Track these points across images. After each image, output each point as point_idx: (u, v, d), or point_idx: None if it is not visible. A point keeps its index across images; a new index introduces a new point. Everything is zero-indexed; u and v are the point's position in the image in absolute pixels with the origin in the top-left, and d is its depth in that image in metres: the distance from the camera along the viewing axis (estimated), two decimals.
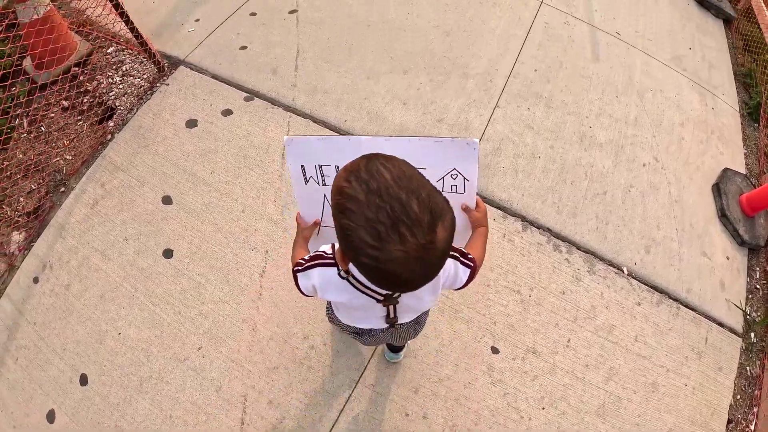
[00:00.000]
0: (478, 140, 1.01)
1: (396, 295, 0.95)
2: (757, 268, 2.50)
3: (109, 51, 3.11)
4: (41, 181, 2.56)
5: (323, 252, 0.97)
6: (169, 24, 3.04)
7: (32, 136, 2.81)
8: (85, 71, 2.92)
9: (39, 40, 2.62)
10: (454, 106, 2.62)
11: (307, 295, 1.06)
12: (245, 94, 2.61)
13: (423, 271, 0.70)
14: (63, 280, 2.13)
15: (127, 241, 2.20)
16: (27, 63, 2.87)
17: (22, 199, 2.49)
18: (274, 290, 2.02)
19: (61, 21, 2.90)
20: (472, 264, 1.02)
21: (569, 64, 2.95)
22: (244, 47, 2.81)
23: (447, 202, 0.72)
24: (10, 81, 2.52)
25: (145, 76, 2.85)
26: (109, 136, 2.64)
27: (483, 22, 3.03)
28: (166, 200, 2.31)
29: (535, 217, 2.32)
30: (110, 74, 2.96)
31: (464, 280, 1.02)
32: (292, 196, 1.21)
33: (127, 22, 2.52)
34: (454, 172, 1.05)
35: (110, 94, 2.85)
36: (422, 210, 0.66)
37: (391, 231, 0.65)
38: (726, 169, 2.72)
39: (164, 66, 2.83)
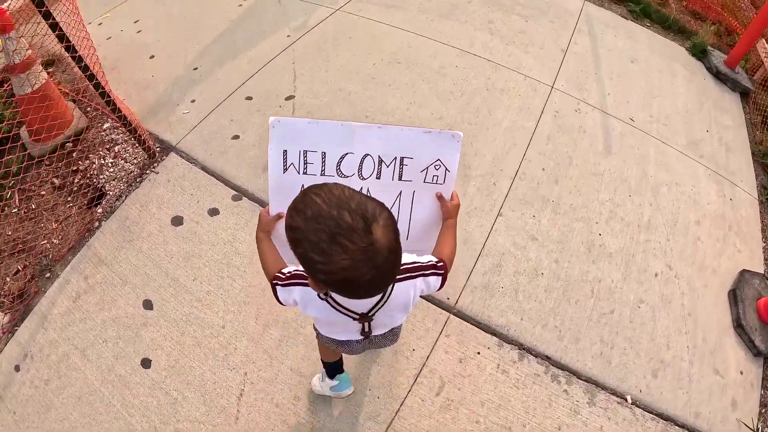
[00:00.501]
0: (461, 133, 1.10)
1: (370, 314, 1.03)
2: None
3: (104, 127, 3.05)
4: (28, 263, 2.52)
5: (303, 271, 0.99)
6: (166, 103, 2.98)
7: (22, 212, 2.76)
8: (79, 147, 2.87)
9: (34, 112, 2.59)
10: None
11: (284, 305, 1.10)
12: (233, 192, 2.52)
13: (378, 272, 0.77)
14: (43, 374, 2.11)
15: (106, 344, 2.17)
16: (24, 131, 2.84)
17: (9, 279, 2.46)
18: (252, 416, 1.97)
19: (57, 95, 2.86)
20: (442, 271, 1.08)
21: (580, 159, 2.78)
22: (236, 137, 2.72)
23: (380, 204, 0.80)
24: (9, 145, 2.51)
25: (135, 161, 2.79)
26: (97, 224, 2.59)
27: (489, 113, 2.89)
28: (147, 305, 2.27)
29: (534, 344, 2.17)
30: (103, 154, 2.91)
31: (437, 285, 1.09)
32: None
33: (121, 117, 2.46)
34: (437, 162, 1.11)
35: (101, 177, 2.80)
36: (355, 219, 0.74)
37: (333, 245, 0.73)
38: (743, 272, 2.59)
39: (155, 152, 2.76)
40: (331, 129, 1.05)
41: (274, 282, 1.06)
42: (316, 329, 1.34)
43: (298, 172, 1.09)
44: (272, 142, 1.06)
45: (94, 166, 2.86)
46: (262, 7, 3.71)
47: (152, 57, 3.39)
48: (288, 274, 1.05)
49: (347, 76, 3.02)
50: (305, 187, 0.84)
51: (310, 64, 3.13)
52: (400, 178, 1.14)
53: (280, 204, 1.12)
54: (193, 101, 2.97)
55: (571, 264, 2.41)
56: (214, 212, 2.48)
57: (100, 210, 2.66)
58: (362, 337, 1.16)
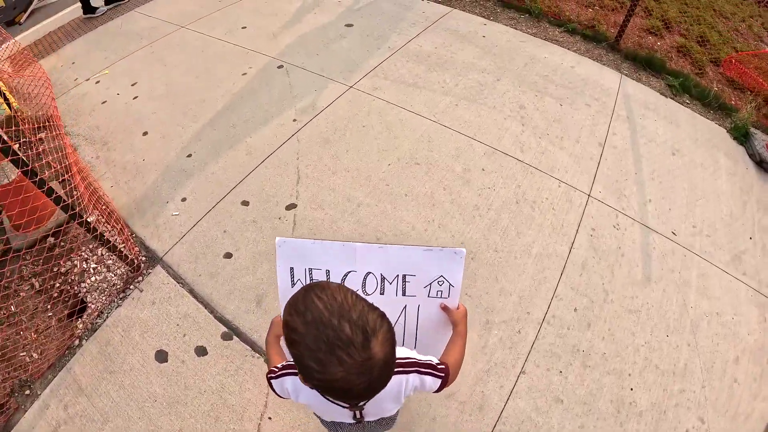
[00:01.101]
0: (464, 250, 1.09)
1: (360, 404, 1.02)
2: None
3: (89, 220, 2.78)
4: (7, 374, 2.30)
5: (293, 362, 1.00)
6: (155, 198, 2.72)
7: (1, 313, 2.52)
8: (61, 242, 2.63)
9: (13, 201, 2.38)
10: (471, 373, 2.15)
11: (282, 397, 1.12)
12: (223, 329, 2.25)
13: (370, 384, 0.79)
14: None
15: None
16: (4, 216, 2.63)
17: None
18: None
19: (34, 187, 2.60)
20: (443, 374, 1.07)
21: (616, 294, 2.45)
22: (229, 255, 2.43)
23: (382, 316, 0.80)
24: None
25: (119, 272, 2.53)
26: (77, 341, 2.33)
27: (518, 234, 2.56)
28: None
29: None
30: (86, 256, 2.64)
31: (435, 387, 1.08)
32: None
33: (100, 237, 2.20)
34: (441, 279, 1.12)
35: (82, 285, 2.55)
36: (354, 331, 0.75)
37: (330, 356, 0.74)
38: None
39: (140, 264, 2.47)
40: (334, 249, 1.09)
41: (269, 376, 1.10)
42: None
43: None
44: (279, 260, 1.10)
45: (75, 269, 2.61)
46: (267, 80, 3.42)
47: (145, 134, 3.11)
48: (280, 367, 1.08)
49: (357, 182, 2.72)
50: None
51: (317, 161, 2.83)
52: (403, 294, 1.17)
53: None
54: (184, 200, 2.69)
55: (597, 429, 2.10)
56: (201, 351, 2.20)
57: (81, 326, 2.41)
58: (354, 422, 1.17)
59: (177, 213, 2.64)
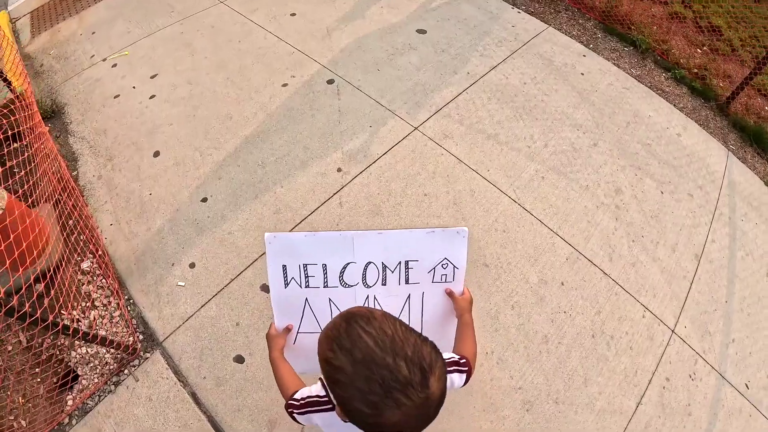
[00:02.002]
0: (467, 229, 1.04)
1: None
2: None
3: (83, 266, 2.34)
4: None
5: (316, 396, 0.94)
6: (158, 255, 2.23)
7: None
8: (52, 290, 2.21)
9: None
10: None
11: (302, 424, 1.01)
12: None
13: (425, 422, 0.71)
14: None
15: None
16: None
17: None
18: None
19: (23, 220, 2.15)
20: (467, 368, 1.02)
21: None
22: (240, 359, 1.95)
23: (434, 348, 0.71)
24: None
25: (112, 351, 2.09)
26: (66, 419, 2.01)
27: (585, 382, 1.96)
28: None
29: None
30: (77, 316, 2.23)
31: (461, 383, 1.02)
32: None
33: (84, 337, 1.74)
34: (444, 261, 1.07)
35: (72, 353, 2.15)
36: (412, 370, 0.66)
37: (386, 399, 0.65)
38: None
39: (137, 347, 2.03)
40: (330, 240, 1.03)
41: (290, 410, 1.00)
42: None
43: (300, 286, 1.07)
44: (270, 258, 1.03)
45: (67, 319, 2.19)
46: (312, 100, 2.72)
47: (157, 154, 2.55)
48: (302, 401, 0.97)
49: None
50: (309, 299, 0.98)
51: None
52: (407, 282, 1.10)
53: (285, 318, 1.09)
54: (192, 266, 2.16)
55: None
56: None
57: (70, 402, 2.04)
58: None
59: (183, 284, 2.13)
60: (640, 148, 2.74)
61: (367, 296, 1.10)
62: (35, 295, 2.10)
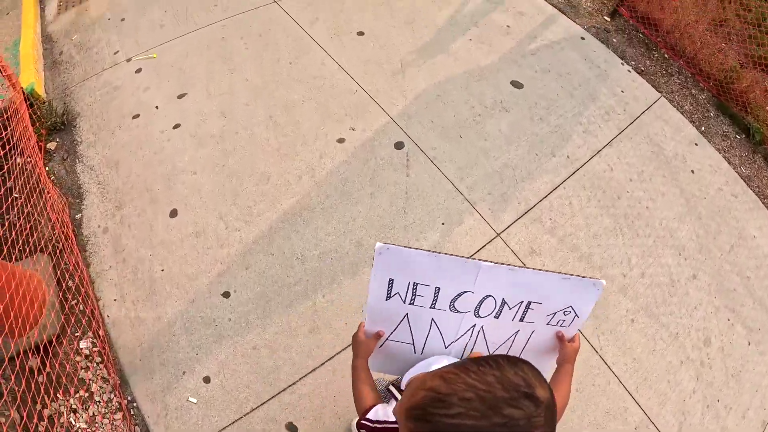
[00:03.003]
0: (604, 282, 0.95)
1: None
2: None
3: (80, 346, 1.92)
4: None
5: (394, 423, 0.88)
6: (167, 356, 1.82)
7: None
8: (46, 366, 1.83)
9: None
10: None
11: None
12: None
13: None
14: None
15: None
16: None
17: None
18: None
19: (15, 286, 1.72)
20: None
21: None
22: None
23: (528, 364, 0.65)
24: None
25: None
26: None
27: None
28: None
29: None
30: (73, 405, 1.84)
31: None
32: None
33: None
34: (568, 309, 1.00)
35: None
36: (523, 404, 0.58)
37: None
38: None
39: None
40: (452, 265, 0.92)
41: (361, 430, 0.93)
42: None
43: (404, 302, 0.99)
44: (377, 268, 0.93)
45: (62, 418, 1.79)
46: (374, 169, 2.08)
47: (174, 214, 2.02)
48: (377, 424, 0.91)
49: None
50: (410, 316, 0.93)
51: None
52: (521, 320, 1.02)
53: (377, 325, 1.03)
54: (207, 380, 1.67)
55: None
56: None
57: None
58: None
59: (195, 401, 1.65)
60: (738, 283, 2.16)
61: (474, 325, 1.04)
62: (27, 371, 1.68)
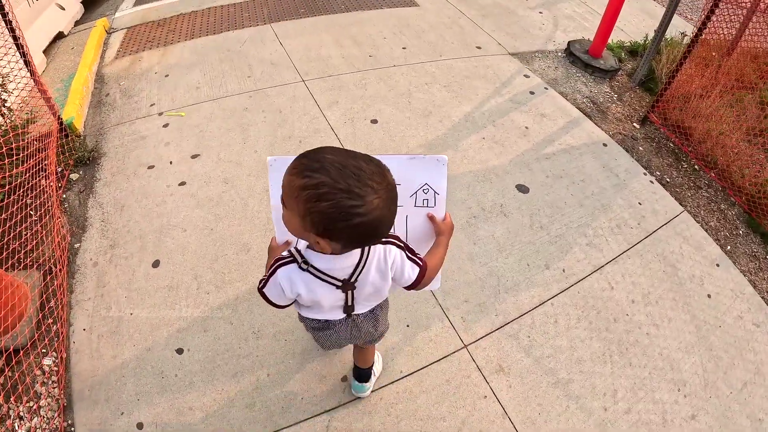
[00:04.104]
0: (446, 157, 1.12)
1: (352, 280, 1.05)
2: None
3: (44, 362, 2.01)
4: None
5: (280, 256, 1.06)
6: (112, 397, 1.88)
7: None
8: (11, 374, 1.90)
9: None
10: None
11: (280, 306, 1.12)
12: None
13: (393, 214, 0.89)
14: None
15: None
16: None
17: None
18: None
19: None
20: (421, 263, 1.10)
21: None
22: None
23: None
24: None
25: None
26: None
27: None
28: None
29: None
30: (21, 411, 1.88)
31: (413, 278, 1.10)
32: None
33: None
34: (425, 186, 1.15)
35: None
36: (369, 164, 0.83)
37: (364, 187, 0.80)
38: None
39: None
40: None
41: (260, 287, 1.09)
42: (301, 321, 1.38)
43: None
44: (272, 180, 1.10)
45: (7, 421, 1.84)
46: None
47: (156, 265, 2.14)
48: (265, 275, 1.08)
49: None
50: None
51: None
52: None
53: (285, 235, 1.15)
54: (140, 427, 1.72)
55: None
56: None
57: None
58: (345, 315, 1.21)
59: None
60: (747, 426, 1.91)
61: None
62: None
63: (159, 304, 2.06)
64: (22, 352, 1.93)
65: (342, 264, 1.00)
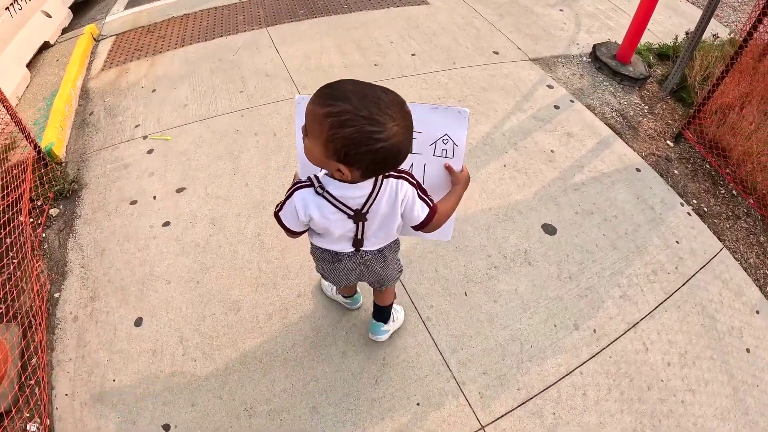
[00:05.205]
0: (468, 110, 1.14)
1: (364, 210, 1.08)
2: None
3: (28, 428, 1.84)
4: None
5: (299, 180, 1.10)
6: None
7: None
8: None
9: None
10: None
11: (295, 231, 1.16)
12: None
13: (410, 142, 0.94)
14: None
15: None
16: None
17: None
18: None
19: None
20: (431, 204, 1.13)
21: None
22: None
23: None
24: None
25: None
26: None
27: None
28: None
29: None
30: None
31: (422, 217, 1.12)
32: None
33: None
34: (445, 137, 1.16)
35: None
36: (388, 95, 0.87)
37: (384, 115, 0.84)
38: None
39: None
40: None
41: (277, 209, 1.13)
42: (313, 254, 1.39)
43: None
44: (299, 118, 1.08)
45: None
46: (347, 333, 1.93)
47: (139, 323, 1.92)
48: (285, 197, 1.11)
49: None
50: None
51: None
52: (411, 152, 1.19)
53: (307, 171, 1.13)
54: None
55: None
56: None
57: None
58: (353, 250, 1.24)
59: None
60: None
61: None
62: None
63: (142, 370, 1.85)
64: (7, 419, 1.74)
65: (355, 193, 1.04)
